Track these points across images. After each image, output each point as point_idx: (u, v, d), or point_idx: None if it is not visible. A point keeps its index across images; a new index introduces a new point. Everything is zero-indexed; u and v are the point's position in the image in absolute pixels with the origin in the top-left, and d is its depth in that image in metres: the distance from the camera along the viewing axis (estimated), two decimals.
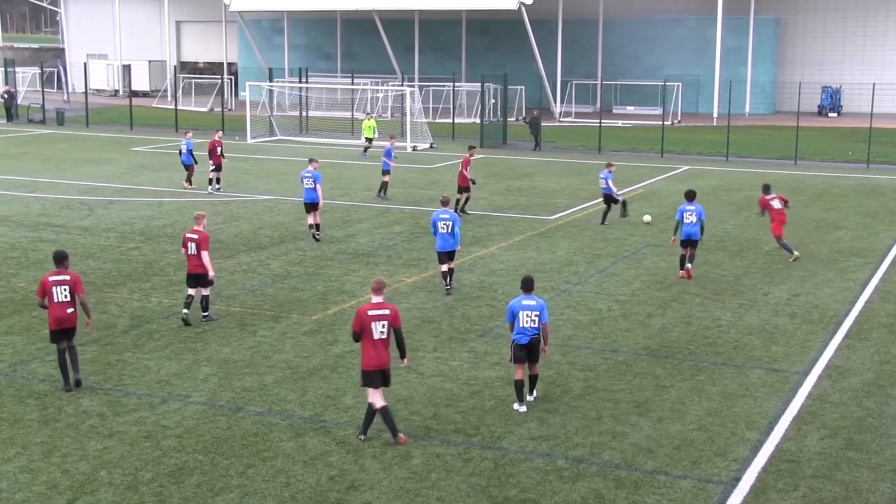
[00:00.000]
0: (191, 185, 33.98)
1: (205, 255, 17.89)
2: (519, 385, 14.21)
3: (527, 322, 13.96)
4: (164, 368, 15.76)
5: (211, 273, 18.05)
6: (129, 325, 18.06)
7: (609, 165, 28.56)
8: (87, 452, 12.57)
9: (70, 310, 14.60)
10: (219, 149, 33.37)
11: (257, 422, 13.64)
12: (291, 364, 16.06)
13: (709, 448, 12.97)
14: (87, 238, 25.49)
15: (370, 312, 12.78)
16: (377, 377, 12.85)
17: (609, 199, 28.11)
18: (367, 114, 49.00)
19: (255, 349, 16.80)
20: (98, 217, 28.51)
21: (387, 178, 32.43)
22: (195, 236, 17.97)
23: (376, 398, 12.88)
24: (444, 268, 20.62)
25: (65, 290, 14.57)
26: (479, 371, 15.84)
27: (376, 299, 12.92)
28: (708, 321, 18.83)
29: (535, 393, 14.56)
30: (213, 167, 33.38)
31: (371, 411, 12.96)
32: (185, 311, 17.96)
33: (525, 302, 14.07)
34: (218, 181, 33.57)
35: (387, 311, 12.84)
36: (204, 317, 18.24)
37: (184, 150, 34.16)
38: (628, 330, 18.21)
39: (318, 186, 25.52)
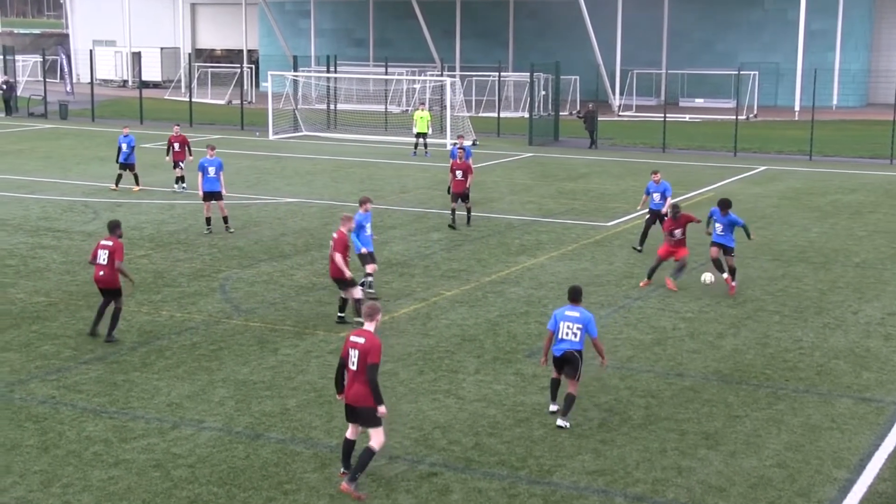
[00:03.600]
0: (117, 188, 33.68)
1: (337, 257, 18.88)
2: (554, 383, 15.04)
3: (566, 334, 14.55)
4: (176, 390, 15.88)
5: (347, 274, 18.97)
6: (137, 342, 18.22)
7: (655, 172, 26.31)
8: (90, 483, 12.69)
9: (102, 272, 17.99)
10: (176, 144, 33.51)
11: (278, 450, 13.69)
12: (316, 386, 16.12)
13: (789, 487, 12.85)
14: (91, 244, 25.64)
15: (351, 338, 12.50)
16: (347, 411, 12.54)
17: (657, 215, 25.59)
18: (420, 104, 48.73)
19: (277, 369, 16.89)
20: (104, 221, 28.74)
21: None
22: (334, 235, 19.10)
23: (349, 430, 12.73)
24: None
25: (105, 254, 17.99)
26: (527, 396, 15.82)
27: (366, 326, 12.52)
28: (788, 342, 18.67)
29: (566, 420, 14.58)
30: (174, 164, 33.61)
31: (349, 446, 12.80)
32: (339, 314, 19.41)
33: (568, 312, 14.67)
34: (180, 180, 33.71)
35: (361, 340, 12.33)
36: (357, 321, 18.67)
37: (125, 149, 33.69)
38: (696, 351, 18.10)
39: (221, 175, 27.29)
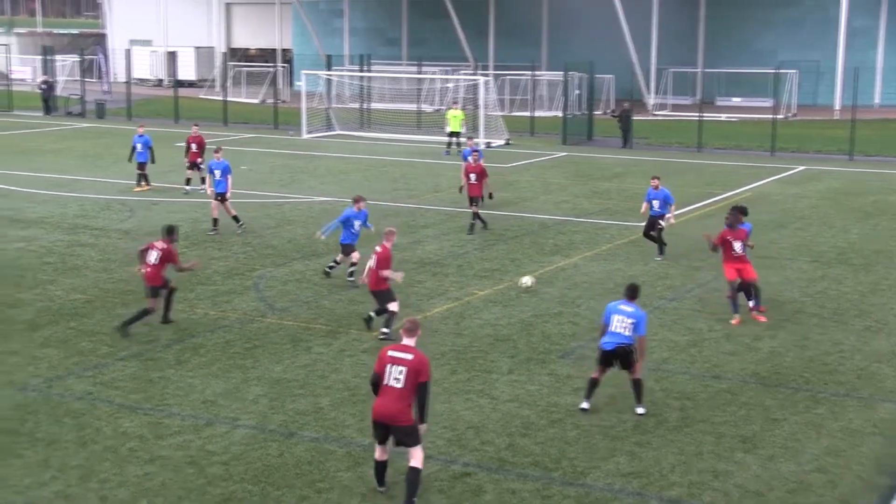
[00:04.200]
0: (146, 186, 33.84)
1: (383, 273, 18.44)
2: (592, 383, 15.09)
3: (618, 327, 14.78)
4: (210, 387, 15.95)
5: (395, 276, 18.70)
6: (172, 340, 18.31)
7: (655, 178, 25.36)
8: (126, 478, 12.77)
9: (147, 269, 18.62)
10: (193, 145, 33.21)
11: (312, 449, 13.72)
12: (350, 385, 16.14)
13: (829, 494, 12.72)
14: (128, 242, 25.90)
15: (390, 353, 12.05)
16: (378, 430, 12.14)
17: (655, 223, 24.89)
18: (454, 103, 48.67)
19: (310, 368, 16.92)
20: (140, 219, 28.99)
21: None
22: (377, 249, 18.55)
23: (377, 450, 12.31)
24: None
25: (155, 255, 18.62)
26: (561, 397, 15.76)
27: (406, 341, 12.15)
28: (827, 345, 18.50)
29: (642, 406, 14.98)
30: (189, 165, 33.40)
31: (381, 467, 12.42)
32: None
33: (622, 307, 14.94)
34: (190, 181, 33.51)
35: (409, 357, 11.93)
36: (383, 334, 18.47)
37: (140, 148, 33.70)
38: (733, 353, 17.98)
39: (228, 177, 27.35)
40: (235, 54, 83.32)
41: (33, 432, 14.12)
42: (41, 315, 19.64)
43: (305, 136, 50.67)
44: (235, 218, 27.27)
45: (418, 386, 11.90)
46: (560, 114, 52.12)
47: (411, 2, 75.62)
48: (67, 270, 23.07)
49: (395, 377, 11.90)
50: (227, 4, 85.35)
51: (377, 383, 12.04)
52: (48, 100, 61.03)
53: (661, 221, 24.88)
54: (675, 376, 16.78)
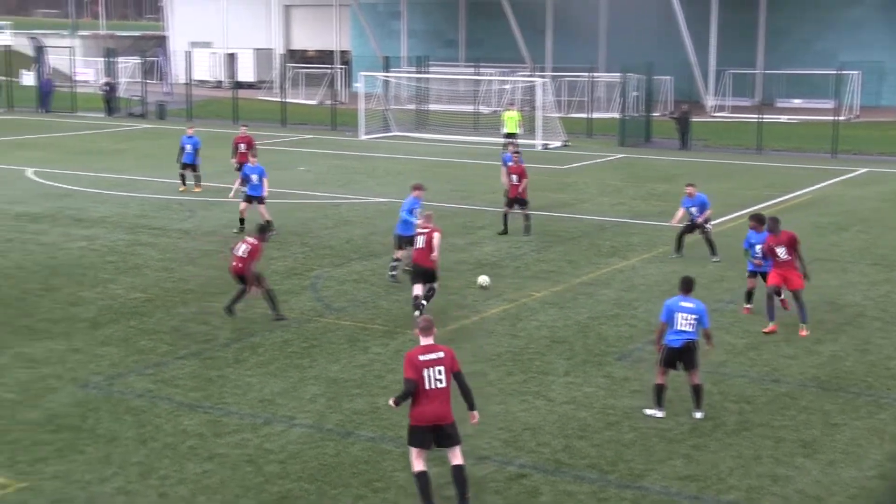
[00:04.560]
0: (186, 187, 33.80)
1: (435, 243, 19.76)
2: (659, 389, 14.92)
3: (683, 325, 14.72)
4: (268, 386, 16.05)
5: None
6: (230, 338, 18.46)
7: (690, 185, 25.09)
8: (185, 475, 12.89)
9: (234, 262, 19.42)
10: (242, 146, 32.74)
11: (368, 448, 13.76)
12: None
13: (892, 500, 12.51)
14: (187, 242, 26.18)
15: (422, 357, 11.83)
16: (427, 436, 11.85)
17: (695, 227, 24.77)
18: (510, 104, 48.62)
19: (367, 368, 16.97)
20: (199, 219, 29.27)
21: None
22: (426, 230, 19.85)
23: (417, 461, 11.90)
24: None
25: (244, 248, 19.40)
26: (617, 399, 15.68)
27: (425, 341, 11.96)
28: (890, 350, 18.22)
29: (701, 411, 14.89)
30: (238, 166, 32.52)
31: (423, 481, 11.94)
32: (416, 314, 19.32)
33: (683, 304, 14.86)
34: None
35: (441, 354, 11.85)
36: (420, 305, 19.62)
37: (189, 149, 33.67)
38: (792, 357, 17.76)
39: (265, 181, 27.52)
40: (294, 56, 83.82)
41: (95, 429, 14.30)
42: (103, 313, 19.89)
43: (363, 137, 50.86)
44: (269, 223, 26.52)
45: (457, 376, 11.93)
46: (617, 115, 51.88)
47: (469, 3, 75.61)
48: (128, 269, 23.34)
49: (437, 378, 11.82)
50: (286, 6, 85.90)
51: (414, 390, 11.79)
52: (110, 101, 61.83)
53: (706, 225, 24.75)
54: (732, 379, 16.62)
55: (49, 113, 62.19)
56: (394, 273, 22.29)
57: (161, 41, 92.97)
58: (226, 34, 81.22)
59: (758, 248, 19.66)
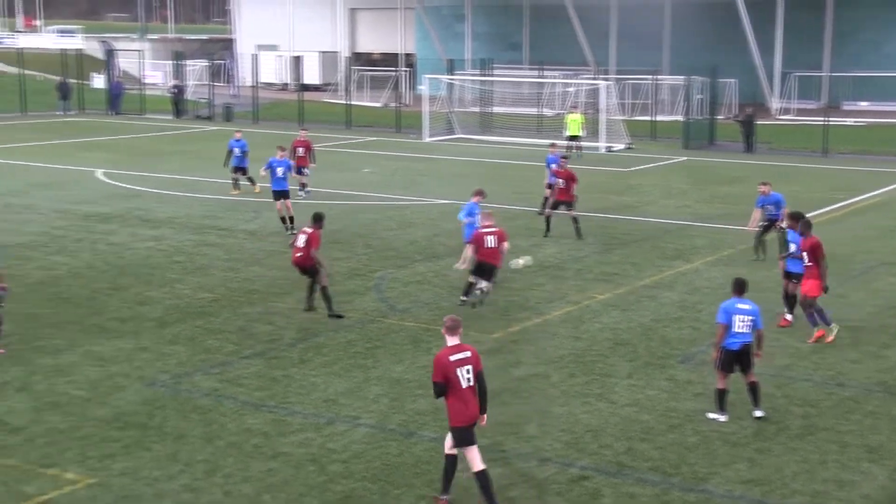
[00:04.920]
0: (239, 190, 33.68)
1: (504, 245, 20.57)
2: (721, 393, 14.79)
3: (740, 327, 14.65)
4: (332, 386, 16.15)
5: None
6: (295, 338, 18.60)
7: (764, 184, 24.63)
8: (250, 474, 13.01)
9: (299, 254, 19.94)
10: (300, 149, 32.97)
11: (431, 449, 13.78)
12: None
13: None
14: (253, 242, 26.42)
15: (452, 358, 11.84)
16: (471, 433, 11.93)
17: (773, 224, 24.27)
18: (573, 107, 48.54)
19: (430, 369, 16.91)
20: (265, 220, 29.51)
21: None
22: (494, 229, 20.51)
23: (475, 459, 11.90)
24: None
25: (303, 238, 19.99)
26: (680, 402, 15.57)
27: (452, 341, 11.98)
28: None
29: (760, 409, 14.85)
30: (297, 169, 32.66)
31: (451, 464, 12.13)
32: (464, 298, 20.52)
33: (739, 306, 14.79)
34: (303, 186, 33.02)
35: (468, 354, 11.92)
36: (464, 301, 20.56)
37: (237, 153, 33.74)
38: (857, 361, 17.51)
39: (288, 175, 28.11)
40: (359, 58, 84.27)
41: (162, 426, 14.49)
42: (170, 313, 20.14)
43: (427, 139, 50.98)
44: (291, 219, 27.37)
45: (479, 375, 11.97)
46: (681, 118, 51.52)
47: (533, 6, 75.47)
48: (195, 270, 23.61)
49: (467, 378, 11.89)
50: (352, 10, 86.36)
51: (445, 391, 11.83)
52: (178, 103, 62.60)
53: (781, 224, 24.38)
54: (797, 383, 16.43)
55: (118, 115, 63.13)
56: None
57: (228, 44, 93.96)
58: (292, 37, 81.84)
59: (792, 246, 19.32)
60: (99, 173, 38.46)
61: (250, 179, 33.87)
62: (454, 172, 39.73)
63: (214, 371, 16.78)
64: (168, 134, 53.96)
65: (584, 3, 68.02)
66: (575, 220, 27.15)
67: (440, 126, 53.39)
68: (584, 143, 44.73)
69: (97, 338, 18.46)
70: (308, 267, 19.95)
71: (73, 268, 23.52)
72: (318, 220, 20.35)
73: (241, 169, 34.00)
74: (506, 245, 20.44)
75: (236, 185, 34.06)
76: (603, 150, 46.69)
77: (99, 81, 74.39)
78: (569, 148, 44.17)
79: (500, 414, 14.97)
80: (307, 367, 17.04)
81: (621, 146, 48.16)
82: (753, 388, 14.89)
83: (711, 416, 14.85)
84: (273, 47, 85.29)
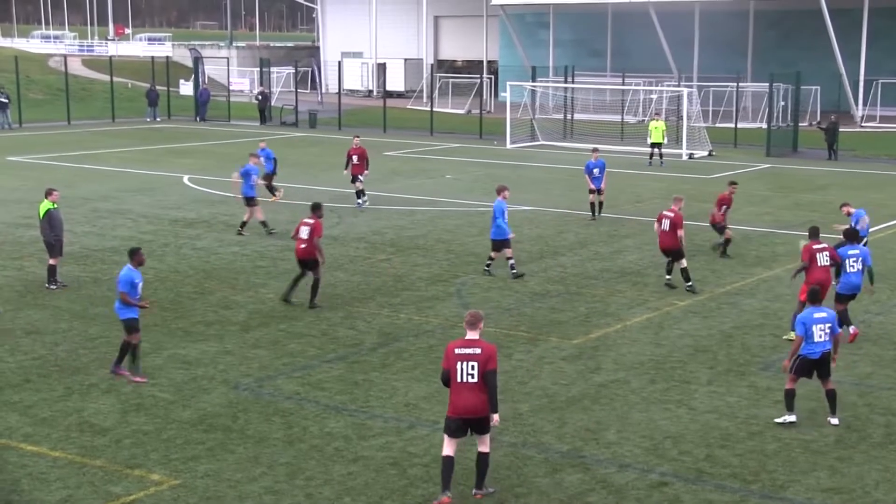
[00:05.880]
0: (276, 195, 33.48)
1: (681, 232, 21.96)
2: (791, 394, 14.77)
3: (820, 336, 14.56)
4: (413, 391, 16.23)
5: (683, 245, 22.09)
6: (377, 343, 18.73)
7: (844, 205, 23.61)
8: (331, 477, 13.13)
9: (303, 245, 20.45)
10: (355, 157, 32.63)
11: (510, 454, 13.79)
12: (549, 392, 16.16)
13: None
14: (336, 248, 26.63)
15: (457, 350, 12.05)
16: (458, 427, 12.15)
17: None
18: (656, 114, 48.26)
19: (510, 374, 17.00)
20: (348, 225, 29.75)
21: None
22: (671, 214, 22.03)
23: (446, 447, 12.21)
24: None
25: (306, 230, 20.40)
26: (760, 409, 15.38)
27: (470, 335, 12.15)
28: None
29: (836, 417, 14.76)
30: (352, 179, 32.65)
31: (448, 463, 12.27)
32: (668, 276, 22.43)
33: (817, 315, 14.67)
34: (361, 194, 32.68)
35: (477, 351, 11.96)
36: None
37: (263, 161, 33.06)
38: None
39: (255, 179, 28.64)
40: (442, 65, 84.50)
41: (244, 429, 14.67)
42: (253, 317, 20.39)
43: (510, 146, 50.95)
44: (244, 224, 28.32)
45: (486, 374, 11.94)
46: (764, 125, 50.83)
47: (616, 14, 75.01)
48: (278, 274, 23.85)
49: (469, 373, 11.98)
50: (436, 17, 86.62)
51: (448, 380, 12.16)
52: (263, 110, 63.29)
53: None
54: (879, 392, 16.13)
55: (205, 121, 64.01)
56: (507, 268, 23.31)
57: (314, 51, 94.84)
58: (375, 44, 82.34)
59: (848, 261, 18.65)
60: (185, 179, 39.09)
61: (270, 188, 33.50)
62: (537, 179, 39.63)
63: (297, 375, 16.96)
64: (254, 140, 54.41)
65: (667, 10, 67.41)
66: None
67: (523, 133, 53.33)
68: (665, 150, 44.34)
69: (182, 341, 18.77)
70: (310, 260, 20.57)
71: (160, 272, 23.92)
72: (316, 209, 20.96)
73: (269, 176, 33.67)
74: (681, 232, 21.93)
75: (273, 191, 33.68)
76: (685, 158, 46.24)
77: (186, 88, 75.56)
78: (651, 155, 43.88)
79: (579, 420, 14.95)
80: (388, 372, 17.14)
81: (703, 153, 47.67)
82: (831, 396, 14.79)
83: (779, 419, 14.78)
84: (358, 54, 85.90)
